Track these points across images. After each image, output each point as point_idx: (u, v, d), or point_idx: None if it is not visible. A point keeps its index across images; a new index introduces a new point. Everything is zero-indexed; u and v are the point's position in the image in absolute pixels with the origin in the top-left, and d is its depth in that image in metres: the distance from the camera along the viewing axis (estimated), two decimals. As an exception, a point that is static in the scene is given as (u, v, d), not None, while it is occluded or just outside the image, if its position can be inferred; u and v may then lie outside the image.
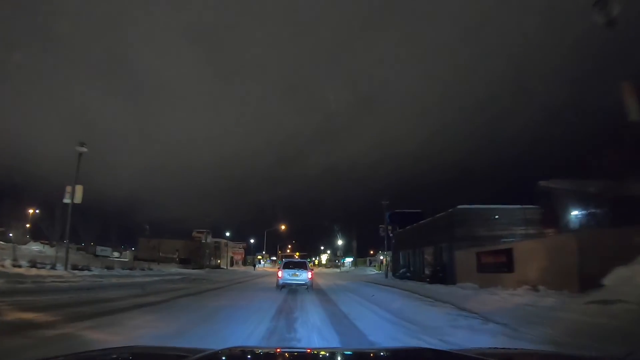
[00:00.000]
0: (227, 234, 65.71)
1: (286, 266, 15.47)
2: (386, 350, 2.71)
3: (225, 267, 55.53)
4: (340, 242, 68.93)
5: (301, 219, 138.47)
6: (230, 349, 1.98)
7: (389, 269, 32.96)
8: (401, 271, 28.56)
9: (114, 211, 52.66)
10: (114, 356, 2.04)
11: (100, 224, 38.21)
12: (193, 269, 38.29)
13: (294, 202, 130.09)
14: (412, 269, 27.24)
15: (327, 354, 2.25)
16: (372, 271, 49.01)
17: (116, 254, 47.27)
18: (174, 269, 35.26)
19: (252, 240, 75.72)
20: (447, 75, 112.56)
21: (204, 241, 53.30)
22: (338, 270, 64.14)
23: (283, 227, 59.66)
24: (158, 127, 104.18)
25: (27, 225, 33.87)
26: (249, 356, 2.11)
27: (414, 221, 28.87)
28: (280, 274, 14.95)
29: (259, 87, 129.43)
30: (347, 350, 2.75)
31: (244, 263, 76.10)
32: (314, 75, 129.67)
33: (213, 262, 53.58)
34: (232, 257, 67.87)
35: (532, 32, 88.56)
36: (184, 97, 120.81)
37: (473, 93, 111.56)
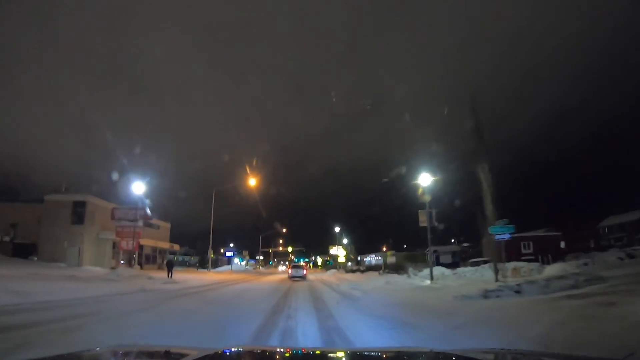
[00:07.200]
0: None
1: (293, 267, 29.98)
2: (387, 350, 2.74)
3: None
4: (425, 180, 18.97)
5: (304, 217, 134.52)
6: (230, 349, 2.04)
7: None
8: None
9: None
10: (114, 355, 2.02)
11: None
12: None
13: (298, 201, 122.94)
14: None
15: (327, 354, 2.27)
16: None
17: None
18: None
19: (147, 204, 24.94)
20: (457, 78, 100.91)
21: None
22: (432, 282, 16.89)
23: (254, 181, 31.99)
24: (155, 126, 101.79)
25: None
26: (249, 356, 2.10)
27: None
28: (290, 271, 28.71)
29: (265, 87, 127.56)
30: (348, 350, 2.65)
31: (164, 264, 30.47)
32: (323, 77, 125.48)
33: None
34: (119, 249, 26.78)
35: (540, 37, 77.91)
36: (186, 95, 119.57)
37: (479, 96, 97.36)
